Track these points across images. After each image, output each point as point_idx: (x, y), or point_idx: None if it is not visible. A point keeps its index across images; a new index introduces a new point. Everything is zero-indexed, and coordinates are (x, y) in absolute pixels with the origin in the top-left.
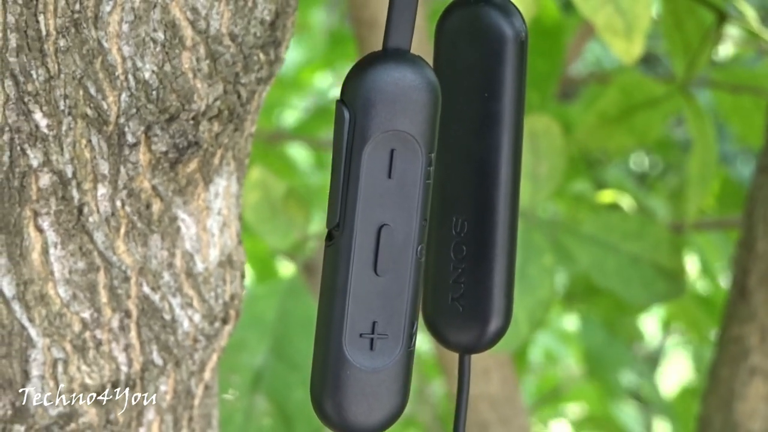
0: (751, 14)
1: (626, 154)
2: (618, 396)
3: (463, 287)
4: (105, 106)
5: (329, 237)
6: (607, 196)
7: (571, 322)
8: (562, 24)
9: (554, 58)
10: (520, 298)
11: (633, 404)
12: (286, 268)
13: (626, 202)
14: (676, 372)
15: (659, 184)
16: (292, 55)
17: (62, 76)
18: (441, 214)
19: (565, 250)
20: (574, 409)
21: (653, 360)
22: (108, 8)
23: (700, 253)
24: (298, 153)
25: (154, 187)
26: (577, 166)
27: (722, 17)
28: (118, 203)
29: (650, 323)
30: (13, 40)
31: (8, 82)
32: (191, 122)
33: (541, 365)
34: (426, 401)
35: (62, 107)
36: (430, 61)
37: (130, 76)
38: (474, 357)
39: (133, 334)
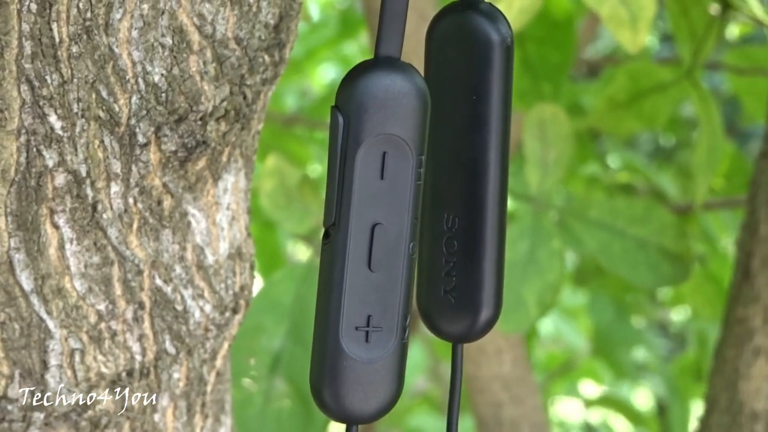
0: (754, 1)
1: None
2: (629, 375)
3: (454, 280)
4: (116, 109)
5: (326, 235)
6: (619, 177)
7: (578, 298)
8: (573, 14)
9: (566, 49)
10: (529, 282)
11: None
12: (303, 254)
13: (637, 182)
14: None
15: (669, 162)
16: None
17: (75, 80)
18: (433, 210)
19: (573, 234)
20: (584, 386)
21: (680, 339)
22: (118, 15)
23: (709, 231)
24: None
25: (164, 185)
26: (589, 147)
27: (726, 4)
28: (131, 200)
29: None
30: (28, 47)
31: (24, 87)
32: (199, 122)
33: (549, 340)
34: (439, 379)
35: (76, 110)
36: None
37: (140, 80)
38: (486, 339)
39: (146, 324)
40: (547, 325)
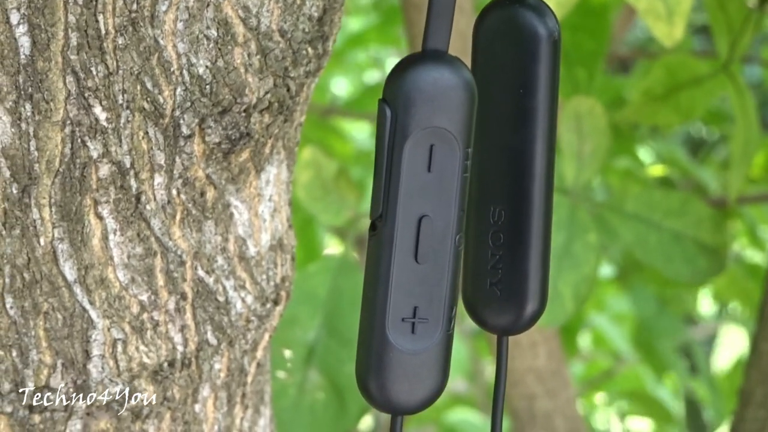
0: None
1: (673, 129)
2: (669, 367)
3: (500, 273)
4: (161, 100)
5: (373, 227)
6: (656, 170)
7: (623, 303)
8: (608, 3)
9: (601, 37)
10: (565, 275)
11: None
12: (338, 246)
13: (675, 174)
14: (731, 347)
15: (710, 156)
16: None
17: (120, 72)
18: (479, 204)
19: (609, 227)
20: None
21: (711, 335)
22: (164, 8)
23: (751, 224)
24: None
25: (208, 176)
26: (626, 140)
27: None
28: (174, 191)
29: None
30: (74, 39)
31: (69, 78)
32: (243, 114)
33: (590, 350)
34: (478, 379)
35: (120, 101)
36: (469, 59)
37: (185, 72)
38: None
39: (188, 315)
40: (587, 333)
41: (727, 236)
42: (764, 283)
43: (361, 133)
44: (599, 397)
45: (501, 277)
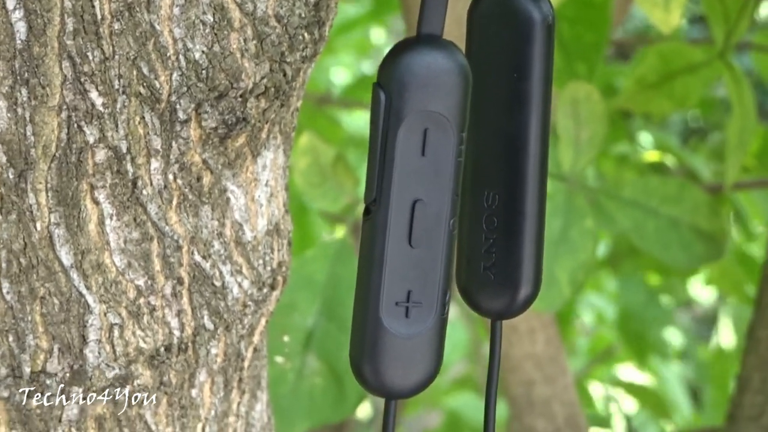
0: None
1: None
2: (660, 355)
3: (494, 257)
4: (157, 85)
5: (366, 212)
6: (650, 156)
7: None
8: None
9: (600, 29)
10: (561, 260)
11: (678, 364)
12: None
13: (669, 161)
14: (727, 334)
15: (702, 143)
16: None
17: (117, 57)
18: (473, 188)
19: (606, 213)
20: (625, 370)
21: (709, 322)
22: None
23: (742, 212)
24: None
25: (204, 161)
26: (621, 127)
27: None
28: (171, 176)
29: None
30: (70, 24)
31: (66, 64)
32: (239, 99)
33: (592, 327)
34: (479, 362)
35: (117, 86)
36: (463, 44)
37: (181, 57)
38: (519, 318)
39: (185, 300)
40: (587, 310)
41: (725, 223)
42: (762, 270)
43: (357, 121)
44: (598, 384)
45: (495, 261)
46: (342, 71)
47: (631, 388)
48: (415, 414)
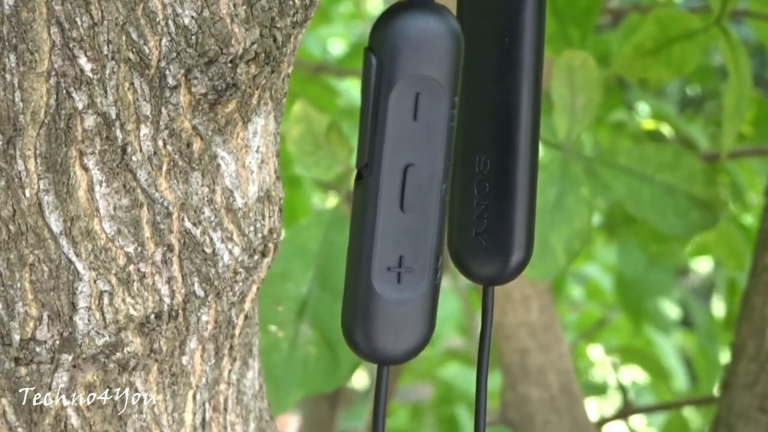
0: None
1: (664, 84)
2: (658, 324)
3: (486, 222)
4: (147, 51)
5: (358, 176)
6: (647, 124)
7: (611, 254)
8: None
9: None
10: (557, 229)
11: (678, 333)
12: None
13: (666, 130)
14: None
15: (699, 113)
16: None
17: (105, 22)
18: (465, 153)
19: (602, 180)
20: (615, 341)
21: (707, 290)
22: None
23: (738, 181)
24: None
25: (194, 127)
26: (616, 95)
27: None
28: (160, 143)
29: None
30: None
31: (54, 29)
32: (229, 65)
33: (583, 301)
34: (473, 334)
35: (106, 52)
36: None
37: (171, 22)
38: (513, 286)
39: (175, 267)
40: (579, 283)
41: (721, 190)
42: (757, 237)
43: (355, 91)
44: (594, 349)
45: (486, 226)
46: (339, 42)
47: (629, 353)
48: (408, 384)
